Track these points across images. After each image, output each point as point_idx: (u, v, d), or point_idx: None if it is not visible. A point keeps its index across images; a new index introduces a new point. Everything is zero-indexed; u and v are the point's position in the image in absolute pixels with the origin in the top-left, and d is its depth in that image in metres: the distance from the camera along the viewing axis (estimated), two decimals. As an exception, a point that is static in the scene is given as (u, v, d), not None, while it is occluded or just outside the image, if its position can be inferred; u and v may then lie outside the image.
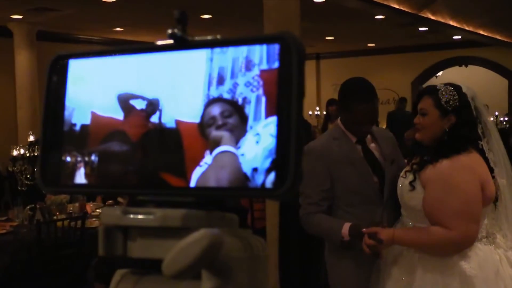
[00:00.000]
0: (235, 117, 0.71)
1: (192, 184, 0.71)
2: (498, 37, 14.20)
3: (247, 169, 0.69)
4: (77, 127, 0.79)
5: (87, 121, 0.78)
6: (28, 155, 6.64)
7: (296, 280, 6.06)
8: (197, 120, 0.72)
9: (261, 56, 0.71)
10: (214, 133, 0.71)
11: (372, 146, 3.08)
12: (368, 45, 16.58)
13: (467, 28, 12.69)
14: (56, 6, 9.80)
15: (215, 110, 0.72)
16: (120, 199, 5.52)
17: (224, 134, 0.71)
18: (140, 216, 0.71)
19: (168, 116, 0.74)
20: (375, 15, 10.58)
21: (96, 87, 0.79)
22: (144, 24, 11.33)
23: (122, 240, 0.74)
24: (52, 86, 0.81)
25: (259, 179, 0.68)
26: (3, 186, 9.57)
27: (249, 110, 0.71)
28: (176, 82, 0.75)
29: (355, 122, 3.03)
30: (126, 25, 12.33)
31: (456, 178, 2.64)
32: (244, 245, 0.69)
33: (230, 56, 0.73)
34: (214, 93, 0.73)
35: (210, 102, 0.72)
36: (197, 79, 0.73)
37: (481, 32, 13.37)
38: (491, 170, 2.71)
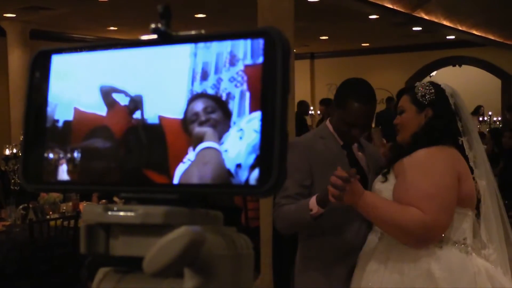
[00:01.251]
0: (218, 113, 0.70)
1: (175, 181, 0.70)
2: (491, 37, 14.24)
3: (230, 165, 0.68)
4: (60, 123, 0.78)
5: (70, 117, 0.77)
6: (20, 154, 6.60)
7: (290, 279, 6.05)
8: (180, 116, 0.71)
9: (245, 51, 0.70)
10: (197, 129, 0.70)
11: (359, 154, 3.01)
12: (362, 44, 16.59)
13: (460, 28, 12.72)
14: (50, 4, 9.78)
15: (199, 106, 0.71)
16: (116, 199, 5.50)
17: (207, 130, 0.70)
18: (121, 213, 0.70)
19: (152, 112, 0.73)
20: (369, 15, 10.59)
21: (79, 83, 0.78)
22: (138, 23, 11.30)
23: (104, 238, 0.73)
24: (34, 82, 0.80)
25: (242, 176, 0.67)
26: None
27: (233, 105, 0.70)
28: (159, 77, 0.74)
29: (345, 122, 2.90)
30: (120, 24, 12.32)
31: (432, 163, 2.54)
32: (227, 243, 0.68)
33: (214, 51, 0.72)
34: (197, 88, 0.72)
35: (194, 97, 0.71)
36: (180, 75, 0.72)
37: (475, 32, 13.40)
38: (472, 170, 2.61)
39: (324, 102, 10.82)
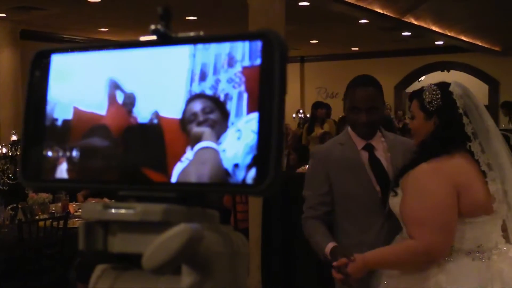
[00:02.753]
0: (216, 113, 0.71)
1: (173, 179, 0.71)
2: (479, 43, 14.31)
3: (228, 165, 0.69)
4: (59, 122, 0.78)
5: (69, 116, 0.78)
6: (10, 154, 6.59)
7: (279, 281, 6.06)
8: (178, 116, 0.72)
9: (243, 52, 0.71)
10: (196, 129, 0.71)
11: (382, 155, 2.98)
12: (352, 49, 16.64)
13: (449, 34, 12.77)
14: (41, 5, 9.74)
15: (197, 106, 0.72)
16: (106, 200, 5.47)
17: (205, 130, 0.70)
18: (120, 211, 0.71)
19: (150, 112, 0.73)
20: (359, 19, 10.62)
21: (79, 83, 0.78)
22: (129, 25, 11.28)
23: (102, 235, 0.73)
24: (34, 81, 0.80)
25: (240, 175, 0.68)
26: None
27: (231, 106, 0.70)
28: (158, 77, 0.74)
29: (351, 110, 2.96)
30: (111, 25, 12.28)
31: (424, 183, 2.51)
32: (224, 240, 0.69)
33: (213, 52, 0.72)
34: (196, 89, 0.72)
35: (192, 98, 0.72)
36: (179, 75, 0.73)
37: (463, 37, 13.47)
38: (484, 174, 2.52)
39: (315, 105, 10.82)
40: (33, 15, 10.41)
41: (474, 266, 2.47)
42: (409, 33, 12.51)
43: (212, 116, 0.71)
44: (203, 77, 0.72)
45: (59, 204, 6.08)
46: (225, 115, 0.70)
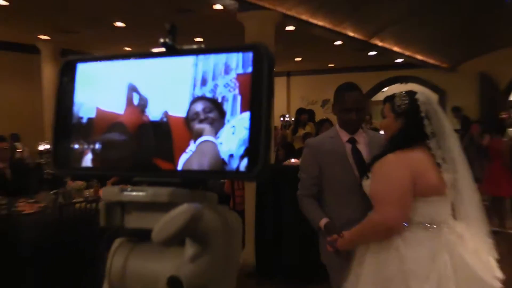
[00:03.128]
0: (215, 113, 0.69)
1: (179, 167, 0.69)
2: (430, 61, 14.33)
3: (224, 155, 0.67)
4: (84, 120, 0.77)
5: (93, 115, 0.76)
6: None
7: (269, 252, 6.06)
8: (183, 114, 0.70)
9: (237, 62, 0.69)
10: (198, 125, 0.69)
11: (362, 147, 3.02)
12: (329, 65, 16.61)
13: (407, 53, 12.78)
14: (77, 29, 9.70)
15: (199, 106, 0.70)
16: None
17: (205, 126, 0.69)
18: (134, 193, 0.69)
19: (160, 111, 0.72)
20: (334, 41, 10.60)
21: (100, 87, 0.76)
22: (149, 44, 11.21)
23: (120, 213, 0.72)
24: (62, 86, 0.78)
25: (234, 164, 0.66)
26: (32, 175, 9.44)
27: (227, 106, 0.69)
28: (167, 83, 0.72)
29: (343, 110, 2.97)
30: (134, 45, 12.24)
31: (388, 170, 2.52)
32: (221, 218, 0.67)
33: (212, 62, 0.71)
34: (198, 92, 0.71)
35: (195, 100, 0.70)
36: (184, 81, 0.71)
37: (418, 56, 13.48)
38: (439, 165, 2.53)
39: (298, 112, 10.82)
40: (70, 37, 10.37)
41: (427, 235, 2.49)
42: (375, 53, 12.50)
43: (211, 115, 0.69)
44: (204, 82, 0.71)
45: (92, 190, 6.05)
46: (222, 114, 0.68)
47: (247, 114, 0.67)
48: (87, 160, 0.76)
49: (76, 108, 0.77)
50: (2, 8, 8.11)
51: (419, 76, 16.20)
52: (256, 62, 0.67)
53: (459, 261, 2.43)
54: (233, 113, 0.68)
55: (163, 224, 0.60)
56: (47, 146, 6.60)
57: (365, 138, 3.03)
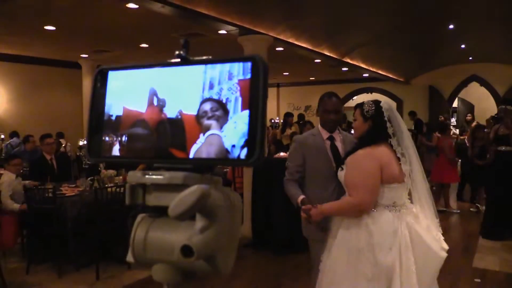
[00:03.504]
0: (220, 111, 0.67)
1: (191, 156, 0.67)
2: (390, 75, 14.34)
3: (228, 146, 0.65)
4: (113, 117, 0.74)
5: (120, 113, 0.74)
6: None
7: (263, 228, 6.04)
8: (195, 113, 0.68)
9: (238, 70, 0.67)
10: (206, 122, 0.67)
11: (338, 144, 3.01)
12: (310, 78, 16.62)
13: (372, 69, 12.78)
14: (109, 48, 9.65)
15: (207, 106, 0.68)
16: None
17: (212, 122, 0.67)
18: (154, 177, 0.67)
19: (175, 110, 0.69)
20: (315, 59, 10.59)
21: (127, 89, 0.74)
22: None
23: (142, 193, 0.69)
24: (96, 90, 0.76)
25: (236, 153, 0.64)
26: (73, 165, 9.41)
27: (230, 106, 0.66)
28: (181, 86, 0.70)
29: (324, 112, 2.97)
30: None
31: (359, 162, 2.51)
32: (225, 197, 0.65)
33: (218, 70, 0.68)
34: (206, 94, 0.68)
35: (204, 100, 0.68)
36: (195, 85, 0.69)
37: (380, 72, 13.48)
38: (399, 159, 2.52)
39: (286, 115, 10.81)
40: (104, 55, 10.32)
41: (390, 215, 2.49)
42: (347, 69, 12.49)
43: (217, 113, 0.67)
44: (211, 86, 0.68)
45: (121, 177, 6.02)
46: (226, 112, 0.66)
47: (246, 112, 0.65)
48: (116, 150, 0.73)
49: (107, 108, 0.74)
50: (50, 32, 8.06)
51: (382, 87, 16.23)
52: (254, 70, 0.65)
53: (415, 236, 2.44)
54: (235, 111, 0.66)
55: (178, 201, 0.58)
56: (85, 142, 6.55)
57: (340, 137, 3.04)
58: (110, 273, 4.97)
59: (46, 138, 6.43)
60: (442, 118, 12.35)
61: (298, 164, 3.00)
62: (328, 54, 9.60)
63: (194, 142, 0.67)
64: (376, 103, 2.64)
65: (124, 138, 0.72)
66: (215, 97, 0.68)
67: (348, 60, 10.79)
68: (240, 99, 0.66)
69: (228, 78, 0.67)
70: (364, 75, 14.33)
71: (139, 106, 0.72)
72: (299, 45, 8.38)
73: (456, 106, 16.46)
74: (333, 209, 2.61)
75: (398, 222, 2.46)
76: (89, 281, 4.73)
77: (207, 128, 0.67)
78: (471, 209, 7.95)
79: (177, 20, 6.48)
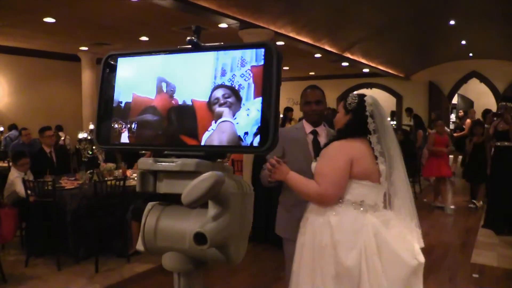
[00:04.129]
0: (233, 98, 0.66)
1: (203, 143, 0.66)
2: (390, 71, 14.32)
3: (240, 133, 0.64)
4: (122, 104, 0.73)
5: (130, 99, 0.73)
6: (89, 137, 6.49)
7: (262, 223, 6.05)
8: (206, 99, 0.67)
9: (251, 56, 0.66)
10: (218, 109, 0.66)
11: (322, 139, 2.96)
12: (310, 73, 16.58)
13: (372, 65, 12.75)
14: (109, 41, 9.60)
15: (219, 93, 0.67)
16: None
17: (225, 109, 0.66)
18: (166, 164, 0.66)
19: (187, 97, 0.68)
20: (315, 54, 10.56)
21: (137, 76, 0.73)
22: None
23: (153, 181, 0.68)
24: (105, 76, 0.75)
25: (249, 140, 0.63)
26: (73, 158, 9.39)
27: (243, 93, 0.65)
28: (193, 73, 0.69)
29: (306, 102, 2.90)
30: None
31: (331, 153, 2.40)
32: (237, 184, 0.64)
33: (230, 56, 0.67)
34: (218, 81, 0.67)
35: (216, 87, 0.67)
36: (207, 72, 0.68)
37: (381, 67, 13.46)
38: (376, 157, 2.38)
39: (286, 109, 10.81)
40: (104, 48, 10.27)
41: (355, 213, 2.37)
42: (347, 64, 12.47)
43: (230, 100, 0.66)
44: (223, 73, 0.67)
45: (120, 170, 6.00)
46: (239, 99, 0.65)
47: (259, 99, 0.64)
48: (125, 137, 0.72)
49: (116, 94, 0.73)
50: (50, 25, 8.01)
51: (381, 83, 16.20)
52: (267, 56, 0.64)
53: (382, 241, 2.29)
54: (248, 98, 0.65)
55: (191, 188, 0.57)
56: (85, 135, 6.52)
57: (325, 132, 2.98)
58: (109, 266, 4.97)
59: (46, 130, 6.40)
60: (434, 115, 12.35)
61: (277, 156, 2.96)
62: (328, 48, 9.57)
63: (206, 129, 0.66)
64: (360, 96, 2.54)
65: (133, 125, 0.71)
66: (228, 83, 0.67)
67: (349, 55, 10.76)
68: (253, 86, 0.65)
69: (240, 64, 0.66)
70: (364, 70, 14.30)
71: (149, 92, 0.71)
72: (300, 40, 8.35)
73: (456, 102, 16.46)
74: (298, 182, 2.47)
75: (363, 222, 2.35)
76: (88, 274, 4.73)
77: (219, 115, 0.66)
78: (470, 205, 7.95)
79: (178, 13, 6.44)
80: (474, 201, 7.95)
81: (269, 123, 0.62)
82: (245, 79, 0.66)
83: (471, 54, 13.24)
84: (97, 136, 0.74)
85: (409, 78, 15.71)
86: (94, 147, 6.38)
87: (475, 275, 4.71)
